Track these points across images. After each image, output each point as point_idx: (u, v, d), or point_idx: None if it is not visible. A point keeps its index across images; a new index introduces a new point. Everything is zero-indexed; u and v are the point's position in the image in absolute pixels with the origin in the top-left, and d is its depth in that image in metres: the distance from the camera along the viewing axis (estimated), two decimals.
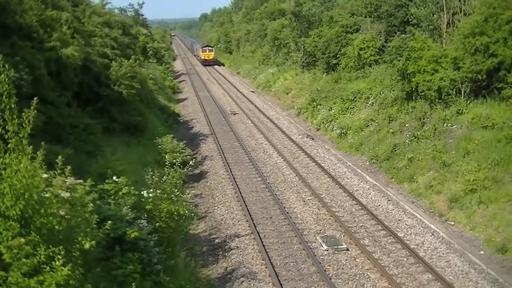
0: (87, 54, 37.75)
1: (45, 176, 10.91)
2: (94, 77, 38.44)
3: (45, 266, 9.94)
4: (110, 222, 12.99)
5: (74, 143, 29.21)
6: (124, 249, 15.50)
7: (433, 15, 43.18)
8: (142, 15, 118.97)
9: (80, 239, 10.98)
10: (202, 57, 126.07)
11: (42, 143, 10.83)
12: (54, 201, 10.64)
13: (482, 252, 24.33)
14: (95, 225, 11.93)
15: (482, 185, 27.85)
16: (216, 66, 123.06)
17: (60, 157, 11.16)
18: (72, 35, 36.16)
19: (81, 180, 12.82)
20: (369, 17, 59.48)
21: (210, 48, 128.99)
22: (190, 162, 36.40)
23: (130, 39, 66.24)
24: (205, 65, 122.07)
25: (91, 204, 12.37)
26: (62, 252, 10.06)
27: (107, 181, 18.59)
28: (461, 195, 28.49)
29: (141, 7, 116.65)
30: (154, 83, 65.40)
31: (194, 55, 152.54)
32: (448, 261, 23.61)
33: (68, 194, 11.33)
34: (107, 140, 34.19)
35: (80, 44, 36.22)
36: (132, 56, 51.86)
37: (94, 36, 45.96)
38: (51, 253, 10.05)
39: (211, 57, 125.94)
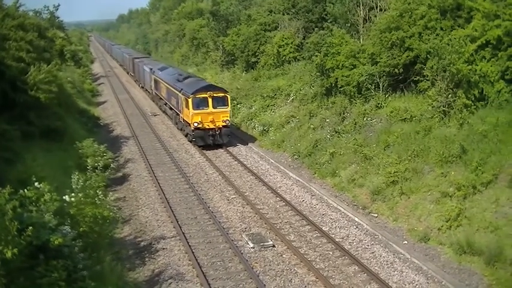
0: (1, 58, 36.50)
1: None
2: (9, 82, 37.14)
3: None
4: (30, 228, 12.58)
5: None
6: (48, 257, 15.11)
7: (349, 13, 43.70)
8: (58, 17, 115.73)
9: (0, 248, 10.59)
10: (198, 124, 42.36)
11: None
12: None
13: (405, 242, 24.75)
14: (16, 233, 11.53)
15: (403, 176, 28.39)
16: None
17: None
18: None
19: None
20: (287, 14, 59.85)
21: (221, 96, 43.17)
22: (111, 165, 35.97)
23: (46, 43, 64.23)
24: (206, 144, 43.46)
25: (11, 211, 11.90)
26: None
27: (28, 188, 18.02)
28: (383, 188, 28.95)
29: (57, 9, 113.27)
30: (72, 87, 64.01)
31: (142, 88, 78.95)
32: (373, 253, 23.96)
33: None
34: (26, 146, 33.13)
35: None
36: (53, 62, 50.55)
37: (8, 40, 44.41)
38: None
39: (222, 120, 43.00)
